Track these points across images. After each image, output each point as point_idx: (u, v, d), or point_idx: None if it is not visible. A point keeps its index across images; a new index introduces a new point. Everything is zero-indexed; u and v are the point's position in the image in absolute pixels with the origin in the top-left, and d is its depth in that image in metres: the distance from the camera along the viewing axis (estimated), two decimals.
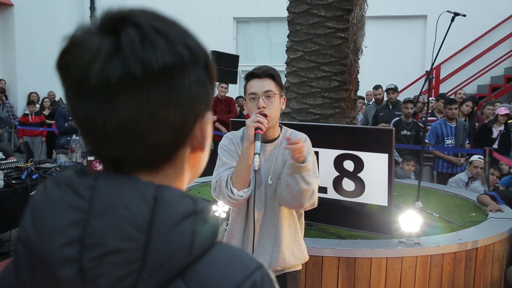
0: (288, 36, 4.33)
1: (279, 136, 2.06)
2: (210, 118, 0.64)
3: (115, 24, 0.55)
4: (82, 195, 0.54)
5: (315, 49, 4.08)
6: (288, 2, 4.26)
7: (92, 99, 0.54)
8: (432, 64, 3.86)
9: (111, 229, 0.52)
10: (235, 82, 8.33)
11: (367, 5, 3.98)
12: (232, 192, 1.89)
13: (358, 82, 4.24)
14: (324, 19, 4.04)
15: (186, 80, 0.57)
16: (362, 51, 3.98)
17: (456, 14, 3.77)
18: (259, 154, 1.79)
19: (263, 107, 1.91)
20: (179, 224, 0.54)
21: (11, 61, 9.95)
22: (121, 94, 0.53)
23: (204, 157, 0.67)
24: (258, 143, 1.81)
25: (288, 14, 4.32)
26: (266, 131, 1.92)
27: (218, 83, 7.69)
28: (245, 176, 1.89)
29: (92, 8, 12.04)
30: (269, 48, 11.99)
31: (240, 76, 9.59)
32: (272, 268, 2.02)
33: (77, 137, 6.33)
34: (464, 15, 3.80)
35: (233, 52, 10.44)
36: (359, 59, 4.07)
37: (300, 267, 2.19)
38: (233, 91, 11.10)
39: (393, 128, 3.22)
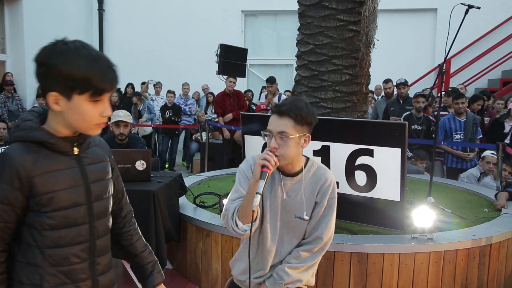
0: (298, 29, 4.28)
1: (301, 170, 2.01)
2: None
3: None
4: None
5: (326, 42, 4.03)
6: None
7: None
8: (445, 58, 3.79)
9: None
10: (243, 75, 8.27)
11: None
12: (237, 225, 1.92)
13: (370, 75, 4.19)
14: (336, 11, 3.99)
15: None
16: (374, 44, 3.93)
17: (470, 7, 3.70)
18: (261, 194, 1.78)
19: (274, 148, 1.86)
20: None
21: (20, 54, 9.97)
22: None
23: (65, 116, 1.32)
24: (261, 182, 1.79)
25: (298, 7, 4.27)
26: (284, 166, 1.95)
27: (226, 77, 7.64)
28: (250, 212, 1.86)
29: (100, 1, 12.01)
30: (277, 42, 11.92)
31: (249, 70, 9.52)
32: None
33: None
34: (479, 8, 3.73)
35: (241, 46, 10.39)
36: (371, 52, 4.01)
37: None
38: (242, 84, 11.07)
39: (406, 122, 3.17)
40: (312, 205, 2.01)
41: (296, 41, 4.27)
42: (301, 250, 2.04)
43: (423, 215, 3.07)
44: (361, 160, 3.24)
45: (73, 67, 1.24)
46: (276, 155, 1.86)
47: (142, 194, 3.19)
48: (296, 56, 4.30)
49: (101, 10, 12.04)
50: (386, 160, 3.15)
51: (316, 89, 4.09)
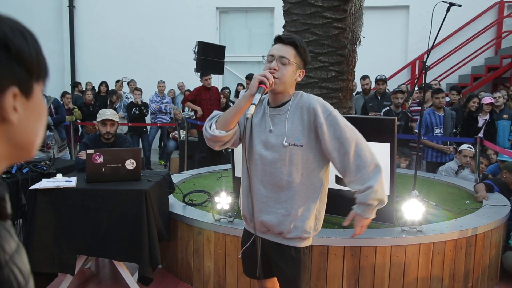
0: (284, 27, 4.30)
1: (289, 101, 1.97)
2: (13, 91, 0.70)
3: None
4: None
5: (312, 39, 4.07)
6: None
7: None
8: (428, 54, 3.88)
9: None
10: (222, 73, 8.25)
11: None
12: (210, 127, 1.94)
13: (355, 72, 4.25)
14: (321, 9, 4.03)
15: None
16: (360, 41, 3.99)
17: (452, 5, 3.80)
18: (256, 105, 1.82)
19: (274, 69, 1.90)
20: None
21: None
22: None
23: (18, 130, 0.70)
24: (257, 96, 1.83)
25: (283, 4, 4.28)
26: (274, 94, 1.97)
27: (202, 75, 7.57)
28: (229, 119, 1.92)
29: None
30: (248, 39, 11.93)
31: (225, 68, 9.48)
32: (274, 231, 2.01)
33: (51, 133, 6.10)
34: (460, 5, 3.83)
35: (217, 43, 10.35)
36: (356, 49, 4.07)
37: (305, 244, 2.04)
38: (217, 82, 11.03)
39: (395, 118, 3.24)
40: (304, 131, 1.93)
41: None
42: (358, 176, 1.92)
43: (413, 208, 3.15)
44: None
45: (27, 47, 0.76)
46: (274, 77, 1.89)
47: (133, 194, 3.15)
48: None
49: (71, 7, 11.74)
50: (376, 155, 3.21)
51: (302, 86, 4.11)
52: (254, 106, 1.80)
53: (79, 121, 8.89)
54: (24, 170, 4.33)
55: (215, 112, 2.02)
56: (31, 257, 3.07)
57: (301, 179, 1.96)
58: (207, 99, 7.57)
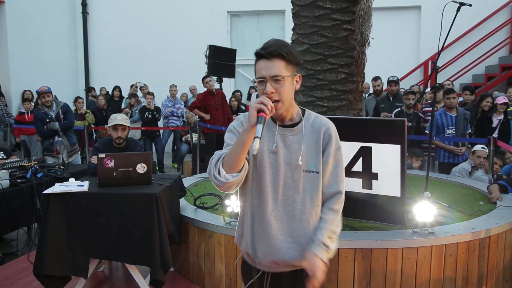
0: (293, 29, 4.31)
1: (301, 120, 1.83)
2: None
3: None
4: None
5: (321, 41, 4.06)
6: None
7: None
8: (439, 54, 3.85)
9: None
10: (233, 76, 8.28)
11: None
12: (219, 173, 1.71)
13: (364, 73, 4.24)
14: (330, 11, 4.03)
15: None
16: (369, 42, 3.98)
17: (462, 4, 3.76)
18: (260, 138, 1.59)
19: (271, 93, 1.70)
20: None
21: (4, 58, 9.81)
22: None
23: None
24: (259, 127, 1.61)
25: (292, 7, 4.29)
26: (281, 115, 1.78)
27: (209, 77, 7.60)
28: (236, 160, 1.69)
29: (84, 4, 11.88)
30: (260, 42, 11.95)
31: (236, 71, 9.51)
32: (293, 263, 1.83)
33: (59, 139, 6.16)
34: (470, 5, 3.80)
35: (228, 46, 10.39)
36: (366, 50, 4.06)
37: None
38: (229, 85, 11.07)
39: (405, 119, 3.22)
40: (319, 156, 1.81)
41: (291, 41, 4.30)
42: (327, 212, 1.83)
43: (424, 210, 3.12)
44: (361, 157, 3.28)
45: None
46: (274, 101, 1.70)
47: (144, 197, 3.18)
48: None
49: (85, 13, 11.90)
50: (386, 157, 3.20)
51: (312, 88, 4.12)
52: (258, 140, 1.58)
53: (92, 125, 9.00)
54: (39, 175, 4.39)
55: (218, 154, 1.77)
56: (45, 261, 3.12)
57: (315, 209, 1.82)
58: (212, 104, 7.60)
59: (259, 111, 1.63)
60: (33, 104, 9.25)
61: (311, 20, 4.09)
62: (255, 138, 1.58)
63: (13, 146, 8.70)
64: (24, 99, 9.32)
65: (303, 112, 1.86)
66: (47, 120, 6.04)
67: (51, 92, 6.12)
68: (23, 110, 8.95)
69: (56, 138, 6.12)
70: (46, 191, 3.26)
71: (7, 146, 8.32)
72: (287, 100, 1.75)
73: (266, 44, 1.74)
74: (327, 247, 1.76)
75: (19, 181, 4.16)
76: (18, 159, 4.87)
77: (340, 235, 3.02)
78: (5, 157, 5.11)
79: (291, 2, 4.27)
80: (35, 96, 9.82)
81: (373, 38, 4.02)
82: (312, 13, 4.07)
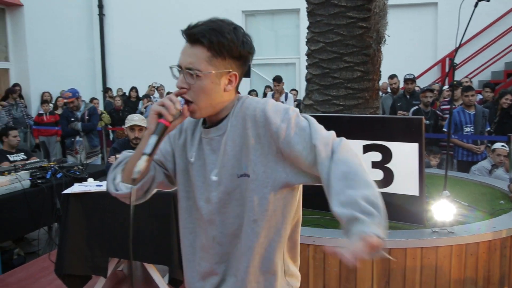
0: (308, 28, 4.29)
1: (228, 115, 1.36)
2: None
3: None
4: None
5: (336, 39, 4.04)
6: None
7: None
8: (456, 52, 3.80)
9: None
10: (248, 75, 8.30)
11: None
12: (115, 178, 1.39)
13: (381, 71, 4.21)
14: (345, 9, 4.00)
15: None
16: (385, 40, 3.94)
17: (479, 0, 3.70)
18: (149, 156, 1.23)
19: (183, 89, 1.28)
20: None
21: (23, 61, 9.99)
22: None
23: None
24: (153, 138, 1.24)
25: (307, 6, 4.28)
26: (206, 117, 1.37)
27: None
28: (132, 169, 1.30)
29: (100, 6, 12.03)
30: (275, 41, 11.95)
31: (252, 70, 9.53)
32: None
33: (80, 139, 6.27)
34: (488, 0, 3.73)
35: None
36: (381, 48, 4.03)
37: None
38: (245, 84, 11.09)
39: (423, 117, 3.19)
40: (249, 155, 1.31)
41: (306, 40, 4.29)
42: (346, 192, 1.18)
43: (443, 209, 3.08)
44: (378, 156, 3.25)
45: None
46: (187, 101, 1.29)
47: (162, 196, 3.20)
48: (306, 55, 4.32)
49: (101, 15, 12.05)
50: (403, 156, 3.17)
51: (327, 87, 4.10)
52: (145, 158, 1.22)
53: (109, 126, 9.11)
54: (58, 175, 4.47)
55: (123, 155, 1.45)
56: (66, 260, 3.17)
57: (256, 224, 1.34)
58: None
59: (160, 115, 1.26)
60: (51, 105, 9.40)
61: (326, 18, 4.07)
62: (142, 154, 1.23)
63: (33, 147, 8.85)
64: (43, 101, 9.47)
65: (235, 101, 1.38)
66: (72, 119, 6.20)
67: (76, 98, 6.25)
68: (41, 112, 9.10)
69: (77, 138, 6.25)
70: (65, 191, 3.31)
71: (27, 147, 8.47)
72: (204, 103, 1.29)
73: (196, 23, 1.33)
74: (370, 214, 1.12)
75: (40, 181, 4.23)
76: (38, 159, 4.95)
77: None
78: (25, 157, 5.21)
79: (306, 0, 4.26)
80: (54, 97, 9.98)
81: (389, 36, 3.98)
82: (327, 11, 4.05)
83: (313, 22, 4.20)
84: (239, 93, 1.43)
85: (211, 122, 1.38)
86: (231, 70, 1.31)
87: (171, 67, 1.34)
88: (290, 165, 1.31)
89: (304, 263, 2.99)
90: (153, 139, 1.24)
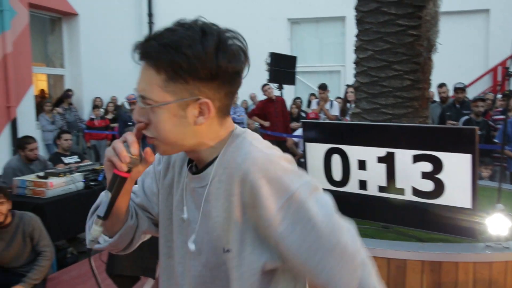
0: (356, 36, 4.27)
1: (214, 159, 1.02)
2: None
3: None
4: None
5: (385, 47, 4.00)
6: (357, 1, 4.20)
7: None
8: (510, 60, 3.68)
9: None
10: (293, 83, 8.32)
11: (441, 1, 3.86)
12: (90, 228, 1.09)
13: (431, 80, 4.13)
14: (395, 16, 3.96)
15: None
16: (436, 48, 3.87)
17: None
18: (103, 219, 1.00)
19: (141, 123, 0.99)
20: None
21: (77, 67, 10.43)
22: None
23: None
24: (105, 196, 1.00)
25: (356, 13, 4.26)
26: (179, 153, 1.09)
27: (276, 84, 7.68)
28: (113, 219, 1.08)
29: (150, 14, 12.41)
30: (319, 49, 11.93)
31: (297, 78, 9.55)
32: None
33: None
34: None
35: (288, 53, 10.45)
36: (432, 56, 3.95)
37: None
38: (290, 92, 11.11)
39: (476, 127, 3.09)
40: (231, 225, 0.99)
41: (354, 48, 4.26)
42: None
43: (497, 223, 2.98)
44: (428, 166, 3.18)
45: None
46: (150, 138, 0.99)
47: None
48: (354, 63, 4.29)
49: (150, 23, 12.43)
50: (455, 167, 3.08)
51: (376, 95, 4.06)
52: (100, 222, 1.00)
53: None
54: None
55: (100, 198, 1.12)
56: (116, 260, 3.28)
57: None
58: (272, 112, 7.67)
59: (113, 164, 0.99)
60: (102, 110, 9.77)
61: (375, 26, 4.04)
62: (97, 217, 1.00)
63: (85, 150, 9.22)
64: (94, 106, 9.85)
65: (228, 141, 1.03)
66: (129, 124, 6.46)
67: None
68: (93, 116, 9.47)
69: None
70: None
71: (79, 150, 8.83)
72: (169, 141, 0.98)
73: (152, 33, 1.00)
74: None
75: (92, 183, 4.40)
76: (91, 162, 5.16)
77: (406, 246, 2.97)
78: (79, 160, 5.44)
79: (355, 8, 4.24)
80: (105, 103, 10.36)
81: (440, 44, 3.90)
82: (376, 19, 4.02)
83: (362, 30, 4.18)
84: (237, 123, 1.10)
85: (197, 162, 1.06)
86: (199, 96, 0.95)
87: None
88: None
89: None
90: (105, 197, 0.99)
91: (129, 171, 0.99)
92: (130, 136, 0.99)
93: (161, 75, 0.94)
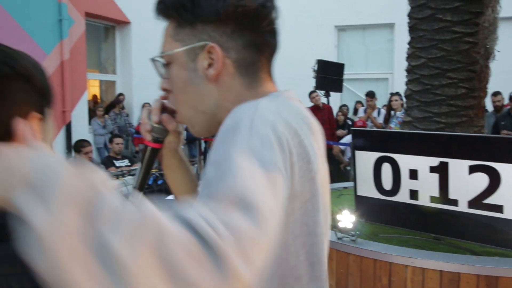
0: (409, 43, 4.20)
1: None
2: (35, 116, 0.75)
3: None
4: None
5: (440, 55, 3.91)
6: (410, 8, 4.14)
7: None
8: None
9: None
10: (340, 90, 8.26)
11: (500, 7, 3.74)
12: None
13: (487, 89, 4.00)
14: (450, 23, 3.87)
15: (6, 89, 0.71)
16: (494, 55, 3.75)
17: None
18: (138, 189, 0.95)
19: (165, 90, 0.94)
20: None
21: (128, 73, 10.79)
22: None
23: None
24: (138, 169, 0.96)
25: (409, 20, 4.19)
26: (197, 132, 0.94)
27: (315, 92, 7.66)
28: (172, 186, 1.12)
29: None
30: (365, 56, 11.79)
31: (344, 85, 9.48)
32: None
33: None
34: None
35: (335, 61, 10.39)
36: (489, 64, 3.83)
37: None
38: (336, 99, 11.04)
39: None
40: None
41: (407, 55, 4.19)
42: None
43: None
44: (486, 178, 3.07)
45: None
46: (172, 112, 0.95)
47: None
48: (406, 70, 4.22)
49: None
50: None
51: (428, 104, 3.97)
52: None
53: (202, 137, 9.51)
54: (159, 182, 4.76)
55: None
56: None
57: None
58: (319, 119, 7.59)
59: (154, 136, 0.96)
60: None
61: (429, 33, 3.96)
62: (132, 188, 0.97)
63: (134, 153, 9.50)
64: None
65: None
66: None
67: None
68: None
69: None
70: (167, 198, 3.52)
71: (129, 154, 9.12)
72: (185, 108, 0.90)
73: None
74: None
75: None
76: None
77: (460, 259, 2.87)
78: (129, 164, 5.61)
79: (408, 15, 4.18)
80: None
81: (499, 51, 3.78)
82: (431, 26, 3.94)
83: (415, 37, 4.11)
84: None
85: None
86: (208, 41, 0.82)
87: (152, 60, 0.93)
88: None
89: (401, 285, 2.91)
90: (138, 169, 0.95)
91: (157, 141, 0.95)
92: (155, 104, 0.95)
93: (172, 24, 0.89)
